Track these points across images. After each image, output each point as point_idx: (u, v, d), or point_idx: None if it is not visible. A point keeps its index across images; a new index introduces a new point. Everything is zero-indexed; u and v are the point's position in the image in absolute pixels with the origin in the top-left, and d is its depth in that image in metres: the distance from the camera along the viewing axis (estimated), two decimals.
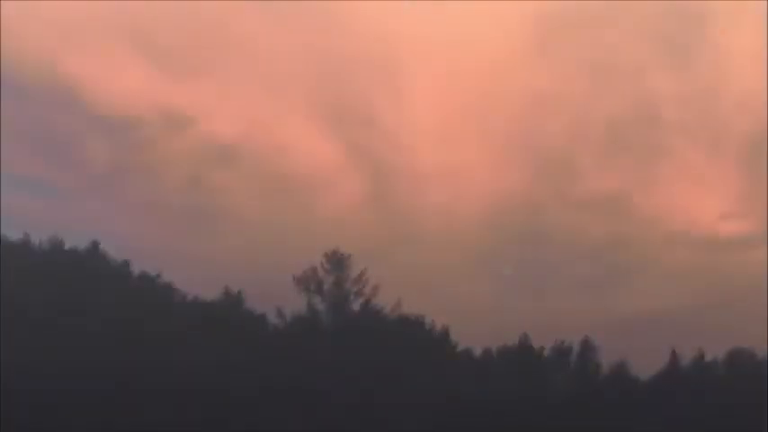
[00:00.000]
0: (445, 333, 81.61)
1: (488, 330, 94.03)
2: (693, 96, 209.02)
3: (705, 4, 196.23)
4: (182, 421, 58.58)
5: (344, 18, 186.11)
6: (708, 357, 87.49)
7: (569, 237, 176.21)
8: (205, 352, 62.14)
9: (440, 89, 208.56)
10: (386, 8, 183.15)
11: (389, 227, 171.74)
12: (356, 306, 74.19)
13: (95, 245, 77.92)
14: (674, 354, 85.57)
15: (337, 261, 73.79)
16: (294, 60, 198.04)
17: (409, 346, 72.75)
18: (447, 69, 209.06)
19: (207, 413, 59.68)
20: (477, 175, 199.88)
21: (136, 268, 79.37)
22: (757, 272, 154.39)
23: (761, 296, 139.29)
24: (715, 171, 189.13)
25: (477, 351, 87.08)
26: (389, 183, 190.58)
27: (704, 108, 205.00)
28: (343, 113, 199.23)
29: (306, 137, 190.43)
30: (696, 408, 78.68)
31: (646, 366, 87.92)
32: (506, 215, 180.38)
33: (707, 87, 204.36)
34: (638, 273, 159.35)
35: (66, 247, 77.70)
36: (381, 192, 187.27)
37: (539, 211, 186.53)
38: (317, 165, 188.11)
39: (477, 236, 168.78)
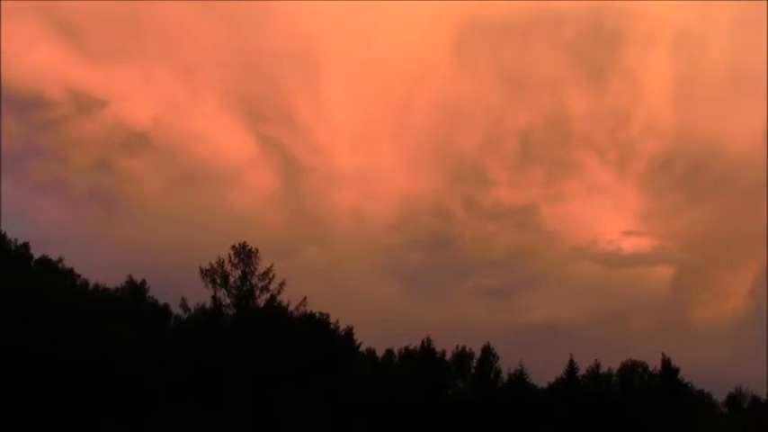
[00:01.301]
0: (349, 332, 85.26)
1: (392, 332, 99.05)
2: (604, 115, 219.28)
3: (621, 27, 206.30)
4: (78, 407, 59.71)
5: (266, 15, 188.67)
6: (603, 368, 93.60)
7: (476, 244, 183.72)
8: (105, 340, 63.07)
9: (357, 91, 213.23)
10: (308, 8, 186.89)
11: (299, 224, 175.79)
12: (261, 301, 74.92)
13: None
14: (571, 363, 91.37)
15: (245, 255, 74.76)
16: (212, 52, 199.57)
17: (313, 343, 75.24)
18: (366, 72, 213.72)
19: (105, 400, 60.85)
20: (389, 178, 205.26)
21: (36, 251, 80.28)
22: (655, 288, 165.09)
23: (657, 311, 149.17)
24: (620, 189, 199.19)
25: (380, 352, 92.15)
26: (302, 180, 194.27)
27: (613, 127, 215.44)
28: (260, 109, 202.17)
29: (219, 129, 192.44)
30: (590, 417, 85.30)
31: (544, 374, 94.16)
32: (415, 220, 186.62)
33: (617, 107, 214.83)
34: (541, 283, 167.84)
35: None
36: (293, 189, 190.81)
37: (448, 217, 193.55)
38: (229, 157, 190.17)
39: (385, 239, 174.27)
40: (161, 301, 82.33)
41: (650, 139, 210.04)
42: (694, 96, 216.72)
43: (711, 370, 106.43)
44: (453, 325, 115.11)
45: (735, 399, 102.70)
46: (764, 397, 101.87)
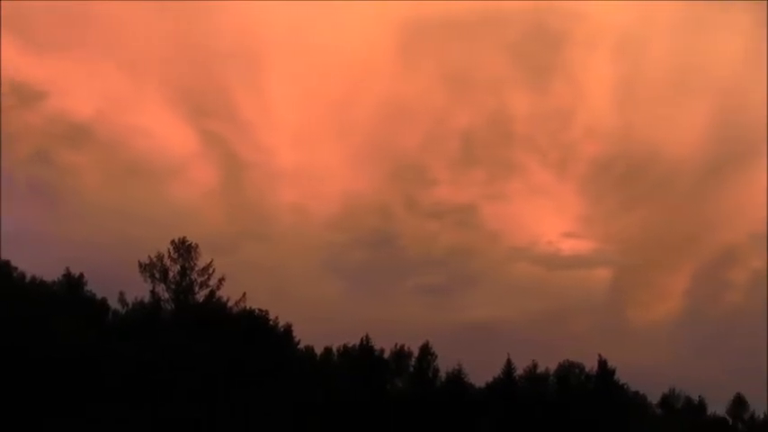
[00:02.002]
0: (288, 330, 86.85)
1: (331, 330, 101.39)
2: (546, 116, 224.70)
3: (564, 28, 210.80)
4: (12, 404, 59.78)
5: (211, 12, 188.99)
6: (540, 369, 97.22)
7: (417, 243, 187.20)
8: (42, 333, 63.65)
9: (300, 89, 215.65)
10: (253, 6, 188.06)
11: (240, 221, 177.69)
12: (200, 297, 76.00)
13: None
14: (508, 363, 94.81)
15: (184, 250, 75.82)
16: (157, 47, 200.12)
17: (252, 340, 76.43)
18: (309, 70, 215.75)
19: (37, 395, 60.88)
20: (331, 176, 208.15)
21: None
22: (593, 289, 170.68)
23: (594, 313, 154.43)
24: (560, 190, 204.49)
25: (319, 350, 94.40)
26: (244, 177, 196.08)
27: (555, 129, 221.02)
28: (203, 104, 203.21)
29: (162, 123, 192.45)
30: (527, 417, 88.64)
31: (481, 374, 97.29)
32: (356, 218, 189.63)
33: (559, 109, 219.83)
34: (480, 283, 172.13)
35: None
36: (235, 185, 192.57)
37: (389, 216, 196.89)
38: (171, 152, 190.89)
39: (326, 236, 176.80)
40: (99, 296, 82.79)
41: (591, 141, 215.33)
42: (635, 99, 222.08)
43: (646, 371, 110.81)
44: (392, 323, 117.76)
45: (668, 400, 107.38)
46: (697, 399, 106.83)
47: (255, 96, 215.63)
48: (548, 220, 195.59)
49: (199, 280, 76.17)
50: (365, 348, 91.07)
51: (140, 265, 74.96)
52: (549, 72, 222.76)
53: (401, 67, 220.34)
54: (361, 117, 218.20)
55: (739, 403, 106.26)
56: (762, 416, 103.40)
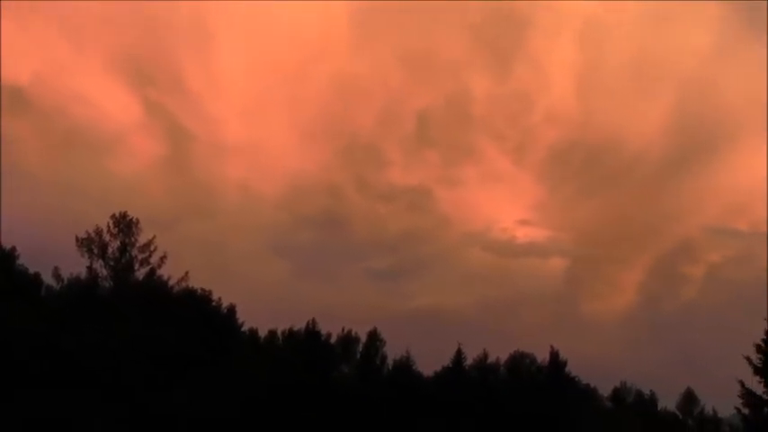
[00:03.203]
0: (231, 311, 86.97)
1: (276, 312, 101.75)
2: (505, 101, 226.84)
3: (528, 12, 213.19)
4: None
5: None
6: (491, 358, 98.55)
7: (367, 226, 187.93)
8: None
9: (252, 62, 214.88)
10: None
11: (184, 196, 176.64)
12: (140, 274, 76.24)
13: None
14: (458, 352, 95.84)
15: (125, 225, 75.79)
16: (100, 9, 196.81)
17: (193, 320, 76.62)
18: (261, 42, 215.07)
19: None
20: (280, 153, 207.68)
21: None
22: (547, 279, 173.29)
23: (547, 303, 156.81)
24: (517, 177, 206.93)
25: (263, 332, 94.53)
26: (189, 150, 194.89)
27: (514, 114, 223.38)
28: (148, 72, 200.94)
29: (103, 90, 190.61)
30: (476, 407, 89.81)
31: (430, 362, 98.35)
32: (305, 198, 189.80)
33: (519, 94, 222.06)
34: (431, 268, 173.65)
35: None
36: (179, 158, 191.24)
37: (339, 197, 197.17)
38: (112, 121, 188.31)
39: (273, 215, 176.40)
40: (32, 270, 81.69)
41: (551, 128, 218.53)
42: (597, 86, 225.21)
43: (598, 364, 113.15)
44: (340, 308, 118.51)
45: (619, 393, 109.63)
46: (648, 393, 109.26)
47: (203, 66, 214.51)
48: (503, 207, 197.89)
49: (139, 257, 76.14)
50: (311, 333, 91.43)
51: (77, 239, 74.67)
52: (510, 56, 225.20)
53: (357, 44, 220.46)
54: (314, 93, 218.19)
55: (689, 398, 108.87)
56: (711, 411, 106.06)
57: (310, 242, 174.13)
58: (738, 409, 31.31)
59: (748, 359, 30.77)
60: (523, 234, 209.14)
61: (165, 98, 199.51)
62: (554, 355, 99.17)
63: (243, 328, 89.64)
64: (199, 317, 78.15)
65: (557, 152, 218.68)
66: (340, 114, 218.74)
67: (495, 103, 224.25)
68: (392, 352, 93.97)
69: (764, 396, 30.22)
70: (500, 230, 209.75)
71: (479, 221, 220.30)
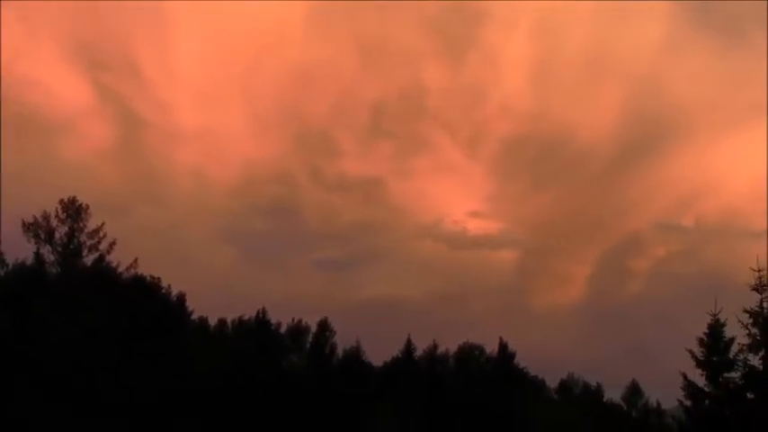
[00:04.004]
0: (181, 298, 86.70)
1: (226, 301, 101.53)
2: (459, 93, 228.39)
3: (482, 6, 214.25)
4: None
5: None
6: (440, 349, 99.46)
7: (320, 215, 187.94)
8: None
9: (207, 48, 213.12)
10: None
11: (135, 182, 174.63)
12: (89, 261, 75.01)
13: None
14: (408, 342, 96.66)
15: (73, 210, 74.33)
16: None
17: (142, 308, 75.72)
18: (216, 30, 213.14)
19: None
20: (234, 140, 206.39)
21: None
22: (497, 271, 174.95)
23: (497, 295, 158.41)
24: (470, 169, 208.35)
25: (213, 321, 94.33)
26: (141, 136, 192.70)
27: (468, 106, 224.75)
28: (100, 56, 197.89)
29: (54, 74, 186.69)
30: (425, 397, 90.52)
31: (380, 352, 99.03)
32: (258, 186, 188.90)
33: (473, 86, 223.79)
34: (383, 259, 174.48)
35: None
36: (131, 144, 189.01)
37: (292, 186, 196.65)
38: (63, 105, 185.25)
39: (225, 203, 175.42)
40: None
41: (504, 121, 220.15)
42: (551, 80, 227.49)
43: (546, 355, 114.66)
44: (291, 297, 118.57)
45: (566, 385, 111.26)
46: (594, 384, 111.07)
47: (158, 52, 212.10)
48: (455, 199, 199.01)
49: (88, 243, 74.94)
50: (261, 322, 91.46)
51: (24, 224, 73.30)
52: (465, 48, 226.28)
53: (313, 34, 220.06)
54: (269, 82, 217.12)
55: (634, 390, 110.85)
56: (655, 403, 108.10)
57: (262, 231, 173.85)
58: (681, 401, 32.01)
59: (691, 352, 31.51)
60: (475, 226, 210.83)
61: (118, 83, 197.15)
62: (503, 346, 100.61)
63: (192, 316, 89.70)
64: (147, 304, 77.46)
65: (509, 145, 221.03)
66: (295, 103, 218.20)
67: (448, 96, 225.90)
68: (342, 342, 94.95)
69: (706, 388, 31.00)
70: (452, 222, 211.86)
71: (431, 213, 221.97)
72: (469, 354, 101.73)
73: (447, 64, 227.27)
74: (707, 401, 31.50)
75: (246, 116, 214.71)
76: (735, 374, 31.24)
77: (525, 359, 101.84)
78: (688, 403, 31.97)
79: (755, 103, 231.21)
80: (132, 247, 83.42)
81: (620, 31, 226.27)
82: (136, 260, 77.45)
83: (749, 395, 30.97)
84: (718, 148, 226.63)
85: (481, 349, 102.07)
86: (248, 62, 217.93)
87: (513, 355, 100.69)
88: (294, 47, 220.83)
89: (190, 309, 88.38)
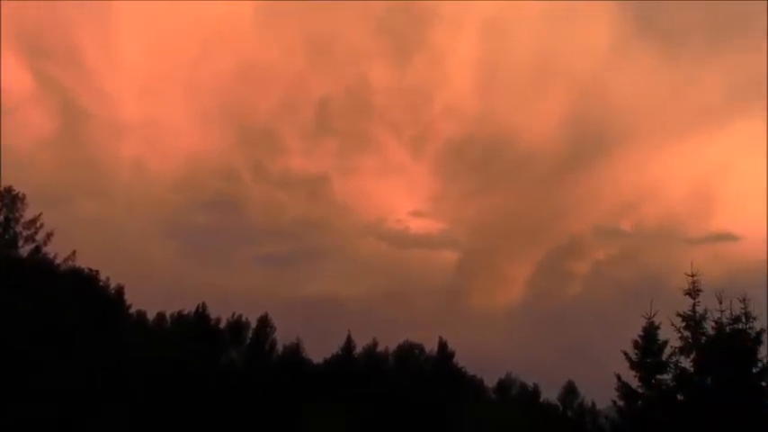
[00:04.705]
0: (120, 292, 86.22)
1: (166, 295, 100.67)
2: (405, 93, 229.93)
3: (430, 6, 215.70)
4: None
5: None
6: (380, 348, 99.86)
7: (262, 211, 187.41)
8: None
9: (152, 40, 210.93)
10: None
11: (74, 173, 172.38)
12: (25, 251, 74.46)
13: None
14: (348, 340, 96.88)
15: (9, 200, 73.85)
16: None
17: (79, 300, 74.76)
18: (162, 22, 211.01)
19: None
20: (177, 134, 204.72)
21: None
22: (438, 271, 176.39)
23: (438, 294, 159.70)
24: (414, 169, 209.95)
25: (152, 315, 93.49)
26: (82, 126, 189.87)
27: (414, 106, 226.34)
28: (41, 44, 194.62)
29: None
30: (364, 395, 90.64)
31: (320, 349, 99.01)
32: (200, 180, 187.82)
33: (420, 86, 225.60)
34: (325, 257, 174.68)
35: None
36: (71, 134, 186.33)
37: (235, 181, 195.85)
38: (2, 92, 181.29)
39: (166, 197, 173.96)
40: None
41: (449, 122, 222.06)
42: (497, 83, 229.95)
43: (485, 356, 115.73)
44: (231, 293, 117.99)
45: (504, 385, 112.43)
46: (532, 385, 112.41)
47: (101, 42, 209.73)
48: (398, 198, 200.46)
49: (24, 233, 74.39)
50: (201, 316, 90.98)
51: None
52: (412, 48, 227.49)
53: (260, 29, 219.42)
54: (215, 76, 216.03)
55: (570, 391, 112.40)
56: (590, 403, 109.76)
57: (204, 225, 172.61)
58: (614, 402, 32.69)
59: (626, 354, 32.19)
60: (417, 226, 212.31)
61: (60, 72, 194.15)
62: (442, 345, 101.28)
63: (131, 310, 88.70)
64: (85, 297, 76.57)
65: (454, 146, 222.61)
66: (240, 99, 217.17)
67: (394, 95, 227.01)
68: (282, 338, 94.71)
69: (639, 389, 31.71)
70: (395, 221, 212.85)
71: (375, 212, 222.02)
72: (409, 352, 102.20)
73: (394, 64, 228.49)
74: (639, 402, 32.20)
75: (191, 110, 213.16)
76: (667, 376, 31.99)
77: (464, 359, 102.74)
78: (621, 404, 32.64)
79: (697, 110, 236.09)
80: (71, 238, 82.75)
81: (567, 34, 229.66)
82: (74, 252, 77.19)
83: (680, 397, 31.74)
84: (660, 154, 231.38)
85: (421, 348, 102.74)
86: (194, 56, 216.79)
87: (452, 355, 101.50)
88: (241, 42, 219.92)
89: (128, 302, 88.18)
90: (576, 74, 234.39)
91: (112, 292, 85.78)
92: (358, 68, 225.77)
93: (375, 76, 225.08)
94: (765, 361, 30.32)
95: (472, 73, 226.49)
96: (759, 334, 30.63)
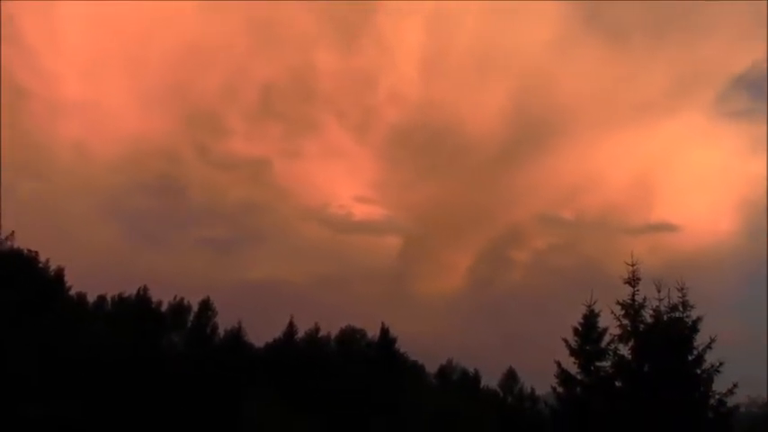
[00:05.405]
0: (59, 273, 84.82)
1: (107, 277, 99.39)
2: (350, 78, 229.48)
3: None
4: None
5: None
6: (322, 332, 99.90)
7: (205, 194, 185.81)
8: None
9: (95, 18, 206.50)
10: None
11: (13, 154, 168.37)
12: None
13: None
14: (290, 324, 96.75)
15: None
16: None
17: (17, 282, 74.11)
18: (106, 6, 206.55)
19: None
20: (119, 115, 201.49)
21: None
22: (381, 256, 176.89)
23: (380, 280, 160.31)
24: (357, 154, 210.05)
25: (92, 297, 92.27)
26: (21, 105, 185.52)
27: (358, 91, 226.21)
28: None
29: None
30: (305, 379, 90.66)
31: (262, 333, 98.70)
32: (142, 162, 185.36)
33: (365, 72, 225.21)
34: (267, 241, 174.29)
35: None
36: (10, 114, 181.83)
37: (178, 163, 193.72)
38: None
39: (108, 178, 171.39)
40: None
41: (393, 108, 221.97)
42: (442, 71, 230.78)
43: (426, 341, 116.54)
44: (173, 275, 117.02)
45: (445, 371, 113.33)
46: (473, 371, 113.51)
47: (42, 19, 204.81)
48: (342, 183, 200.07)
49: None
50: (142, 299, 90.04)
51: None
52: (358, 33, 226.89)
53: (204, 12, 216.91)
54: (158, 57, 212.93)
55: (511, 377, 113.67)
56: (529, 389, 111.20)
57: (146, 207, 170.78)
58: (554, 388, 33.26)
59: (566, 341, 32.76)
60: (360, 211, 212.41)
61: None
62: (384, 331, 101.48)
63: (71, 292, 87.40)
64: (23, 278, 75.56)
65: (398, 132, 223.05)
66: (184, 80, 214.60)
67: (339, 80, 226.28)
68: (224, 322, 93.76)
69: (578, 376, 32.32)
70: (338, 206, 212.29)
71: (318, 196, 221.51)
72: (351, 337, 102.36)
73: (339, 48, 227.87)
74: (578, 389, 32.81)
75: (133, 91, 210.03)
76: (605, 363, 32.65)
77: (406, 344, 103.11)
78: (560, 390, 33.23)
79: (638, 103, 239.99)
80: (9, 219, 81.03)
81: (513, 26, 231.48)
82: (13, 233, 76.33)
83: (618, 383, 32.39)
84: (602, 145, 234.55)
85: (363, 333, 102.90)
86: (137, 36, 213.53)
87: (394, 340, 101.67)
88: (185, 23, 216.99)
89: (68, 284, 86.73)
90: (521, 65, 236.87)
91: (52, 273, 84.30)
92: (303, 52, 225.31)
93: (320, 60, 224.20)
94: (701, 349, 31.09)
95: (418, 60, 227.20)
96: (695, 322, 31.39)
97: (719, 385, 30.81)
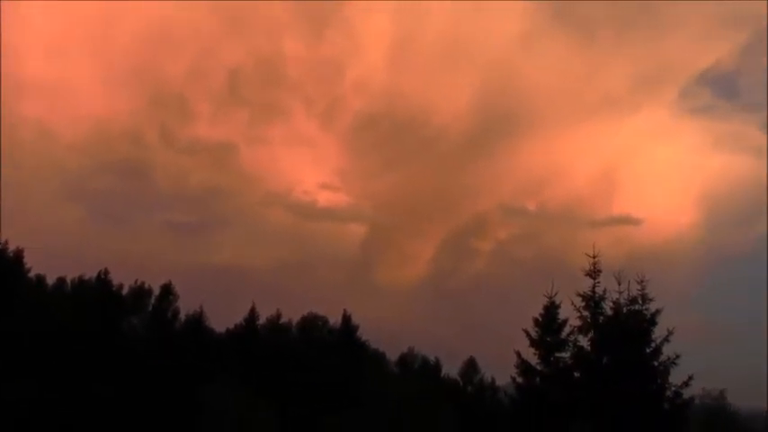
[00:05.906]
0: (19, 256, 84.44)
1: (67, 259, 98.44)
2: (317, 66, 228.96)
3: None
4: None
5: None
6: (284, 319, 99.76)
7: (169, 177, 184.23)
8: None
9: (60, 1, 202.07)
10: None
11: None
12: None
13: None
14: (252, 310, 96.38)
15: None
16: None
17: None
18: None
19: None
20: (83, 95, 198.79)
21: None
22: (344, 244, 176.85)
23: (343, 267, 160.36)
24: (323, 141, 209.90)
25: (52, 280, 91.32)
26: None
27: (325, 79, 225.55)
28: None
29: None
30: (266, 366, 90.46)
31: (224, 319, 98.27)
32: (106, 144, 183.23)
33: (332, 60, 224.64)
34: (231, 226, 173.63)
35: None
36: None
37: (142, 145, 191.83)
38: None
39: (70, 159, 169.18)
40: None
41: (360, 97, 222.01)
42: (409, 61, 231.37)
43: (388, 329, 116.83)
44: (134, 258, 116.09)
45: (406, 359, 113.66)
46: (433, 360, 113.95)
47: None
48: (306, 170, 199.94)
49: None
50: (102, 282, 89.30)
51: None
52: (326, 21, 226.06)
53: None
54: (125, 38, 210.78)
55: (471, 366, 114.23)
56: (490, 379, 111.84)
57: (108, 189, 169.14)
58: (514, 378, 33.52)
59: (526, 332, 33.01)
60: (325, 198, 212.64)
61: None
62: (346, 318, 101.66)
63: (30, 274, 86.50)
64: None
65: (363, 121, 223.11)
66: (150, 63, 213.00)
67: (306, 67, 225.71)
68: (185, 307, 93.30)
69: (538, 367, 32.62)
70: (302, 193, 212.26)
71: (282, 182, 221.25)
72: (313, 324, 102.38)
73: (307, 36, 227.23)
74: (538, 379, 33.08)
75: (98, 72, 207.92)
76: (565, 354, 32.95)
77: (367, 332, 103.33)
78: (520, 380, 33.49)
79: (603, 98, 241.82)
80: None
81: (480, 19, 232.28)
82: None
83: (577, 374, 32.70)
84: (567, 138, 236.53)
85: (324, 320, 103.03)
86: (104, 16, 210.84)
87: (355, 328, 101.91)
88: (154, 4, 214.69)
89: (28, 266, 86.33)
90: (488, 58, 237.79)
91: (11, 255, 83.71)
92: (271, 39, 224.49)
93: (288, 47, 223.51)
94: (658, 341, 31.48)
95: (385, 50, 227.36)
96: (654, 315, 31.76)
97: (676, 377, 31.24)
